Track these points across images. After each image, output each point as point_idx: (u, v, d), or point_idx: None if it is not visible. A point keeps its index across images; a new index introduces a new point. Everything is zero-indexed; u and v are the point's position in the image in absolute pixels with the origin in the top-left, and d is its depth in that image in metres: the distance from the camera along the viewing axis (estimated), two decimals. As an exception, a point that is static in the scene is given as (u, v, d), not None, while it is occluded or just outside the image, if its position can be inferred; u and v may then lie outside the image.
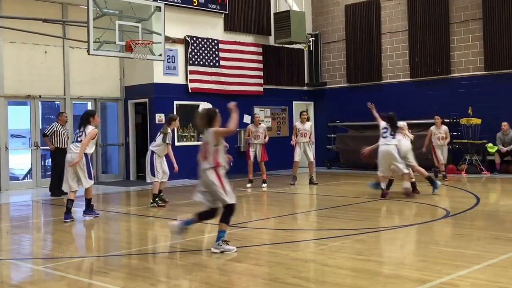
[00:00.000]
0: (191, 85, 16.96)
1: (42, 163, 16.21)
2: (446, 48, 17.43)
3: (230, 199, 6.83)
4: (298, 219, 9.85)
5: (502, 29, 16.45)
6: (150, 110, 16.46)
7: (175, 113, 15.60)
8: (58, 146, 13.33)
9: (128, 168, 17.26)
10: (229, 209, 6.88)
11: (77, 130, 9.87)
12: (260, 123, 14.62)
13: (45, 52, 15.63)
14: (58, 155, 13.44)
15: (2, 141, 14.76)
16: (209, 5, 17.39)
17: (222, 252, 6.75)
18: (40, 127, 15.78)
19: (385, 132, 11.20)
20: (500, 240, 7.19)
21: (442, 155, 14.99)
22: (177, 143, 16.47)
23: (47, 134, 13.30)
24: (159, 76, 16.38)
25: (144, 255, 6.99)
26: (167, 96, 16.41)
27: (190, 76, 16.97)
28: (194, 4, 16.99)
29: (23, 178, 16.22)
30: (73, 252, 7.72)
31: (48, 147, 13.62)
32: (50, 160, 14.01)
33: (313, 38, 19.76)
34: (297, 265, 6.34)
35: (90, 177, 9.75)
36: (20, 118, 15.95)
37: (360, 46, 19.28)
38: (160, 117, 16.34)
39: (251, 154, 14.36)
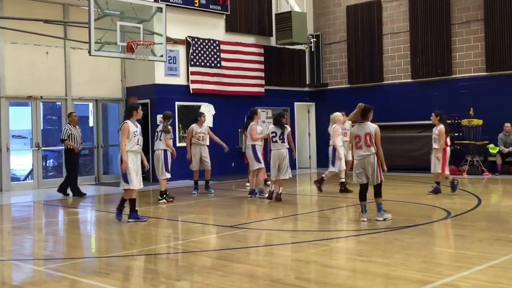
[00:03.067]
0: (192, 86, 16.97)
1: (43, 163, 16.23)
2: (448, 49, 17.41)
3: (382, 178, 8.77)
4: (299, 220, 9.84)
5: (503, 30, 16.44)
6: (152, 111, 16.46)
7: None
8: (69, 147, 13.31)
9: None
10: (379, 186, 8.81)
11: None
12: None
13: (46, 53, 15.64)
14: (73, 156, 13.43)
15: (3, 142, 14.77)
16: (211, 6, 17.40)
17: (384, 219, 8.65)
18: (41, 128, 15.80)
19: (274, 137, 11.43)
20: (501, 241, 7.18)
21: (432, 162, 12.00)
22: (178, 144, 16.48)
23: (64, 138, 13.23)
24: (161, 77, 16.39)
25: (146, 256, 6.98)
26: (168, 97, 16.41)
27: (191, 77, 16.97)
28: (196, 5, 17.00)
29: (24, 179, 16.24)
30: (74, 253, 7.72)
31: (58, 148, 13.60)
32: (64, 160, 13.88)
33: (315, 39, 19.75)
34: (298, 266, 6.34)
35: (125, 180, 9.10)
36: (21, 119, 15.97)
37: (362, 47, 19.26)
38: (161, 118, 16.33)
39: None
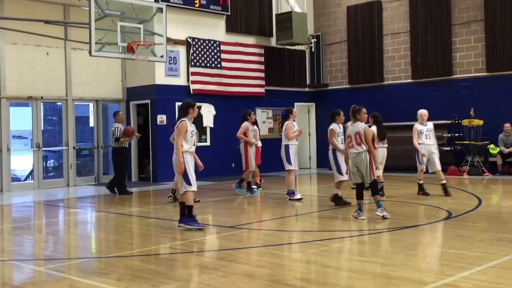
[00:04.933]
0: (192, 87, 16.96)
1: (44, 164, 16.22)
2: (448, 49, 17.41)
3: (375, 176, 9.13)
4: (299, 221, 9.84)
5: (504, 30, 16.43)
6: (152, 111, 16.47)
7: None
8: (123, 144, 13.44)
9: (130, 169, 17.25)
10: (375, 184, 9.15)
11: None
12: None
13: (47, 53, 15.65)
14: (124, 155, 13.62)
15: (4, 142, 14.77)
16: (211, 7, 17.39)
17: (383, 216, 8.83)
18: (42, 128, 15.81)
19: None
20: (502, 242, 7.18)
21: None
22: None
23: (119, 137, 13.33)
24: (161, 77, 16.39)
25: (146, 256, 6.98)
26: (168, 97, 16.41)
27: (191, 78, 16.97)
28: (196, 5, 17.00)
29: (25, 179, 16.22)
30: (75, 253, 7.72)
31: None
32: (113, 159, 13.86)
33: (315, 40, 19.75)
34: (298, 267, 6.35)
35: (187, 182, 8.44)
36: (22, 119, 15.97)
37: (362, 47, 19.26)
38: (162, 118, 16.35)
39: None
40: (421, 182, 11.76)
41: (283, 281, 5.64)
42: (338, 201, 10.66)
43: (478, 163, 16.23)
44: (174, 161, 8.57)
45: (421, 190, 11.75)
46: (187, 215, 8.53)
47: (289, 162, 11.71)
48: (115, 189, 13.57)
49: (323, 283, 5.59)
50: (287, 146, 11.76)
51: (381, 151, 11.53)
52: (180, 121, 8.53)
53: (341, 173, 10.60)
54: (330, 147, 10.85)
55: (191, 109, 8.69)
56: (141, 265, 6.54)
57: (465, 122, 16.51)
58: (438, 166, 11.58)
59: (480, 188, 13.60)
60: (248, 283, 5.60)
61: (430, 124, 11.79)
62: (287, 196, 11.75)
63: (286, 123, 11.90)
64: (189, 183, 8.43)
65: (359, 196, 9.09)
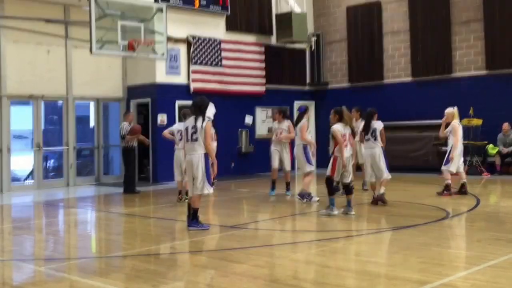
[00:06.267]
0: (193, 85, 16.95)
1: (44, 164, 16.22)
2: (448, 48, 17.41)
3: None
4: (298, 220, 9.87)
5: (503, 29, 16.43)
6: (153, 110, 16.46)
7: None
8: (131, 144, 13.54)
9: (131, 169, 17.25)
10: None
11: (189, 125, 8.48)
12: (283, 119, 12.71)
13: (48, 52, 15.65)
14: (129, 152, 13.70)
15: (4, 142, 14.78)
16: (211, 7, 17.38)
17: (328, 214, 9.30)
18: (43, 128, 15.81)
19: (366, 135, 10.65)
20: (500, 241, 7.20)
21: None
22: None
23: (124, 135, 13.41)
24: (162, 76, 16.36)
25: (146, 256, 7.01)
26: (169, 96, 16.40)
27: (192, 76, 16.95)
28: (196, 6, 16.96)
29: (25, 180, 16.22)
30: (75, 253, 7.75)
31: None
32: (123, 159, 14.06)
33: (315, 38, 19.75)
34: (297, 267, 6.38)
35: (210, 183, 8.39)
36: (22, 119, 15.96)
37: (362, 46, 19.27)
38: (162, 118, 16.34)
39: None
40: (462, 181, 11.78)
41: (282, 281, 5.67)
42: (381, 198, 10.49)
43: (477, 163, 16.24)
44: (191, 161, 8.43)
45: (462, 188, 11.76)
46: (192, 217, 8.51)
47: (310, 162, 11.26)
48: (131, 188, 13.63)
49: (322, 283, 5.62)
50: (305, 146, 11.30)
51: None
52: (207, 122, 8.42)
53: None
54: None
55: (205, 107, 8.66)
56: (141, 265, 6.57)
57: (464, 121, 16.47)
58: (451, 168, 11.71)
59: (478, 188, 13.59)
60: (247, 283, 5.63)
61: (450, 126, 11.94)
62: (299, 197, 11.38)
63: (302, 121, 11.45)
64: (211, 185, 8.46)
65: (350, 192, 9.49)
